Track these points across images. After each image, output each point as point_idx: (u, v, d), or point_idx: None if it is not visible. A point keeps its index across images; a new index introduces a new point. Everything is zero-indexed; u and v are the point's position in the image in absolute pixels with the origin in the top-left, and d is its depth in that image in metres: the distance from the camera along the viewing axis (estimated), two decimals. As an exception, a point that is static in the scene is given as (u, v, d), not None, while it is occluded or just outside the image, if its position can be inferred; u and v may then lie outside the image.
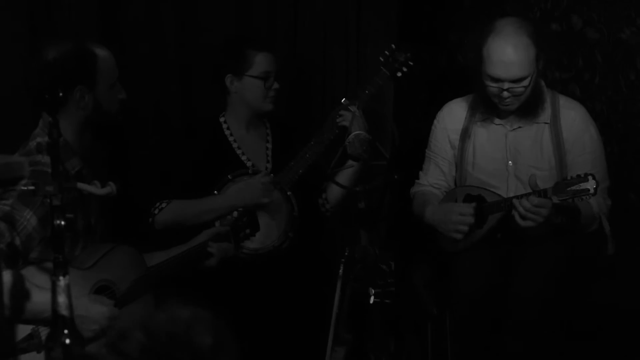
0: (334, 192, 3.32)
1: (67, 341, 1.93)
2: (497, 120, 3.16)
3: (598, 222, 3.09)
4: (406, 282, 3.25)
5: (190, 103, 3.67)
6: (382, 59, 3.27)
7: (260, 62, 3.21)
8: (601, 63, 3.47)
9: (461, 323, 3.09)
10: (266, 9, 3.77)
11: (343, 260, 2.57)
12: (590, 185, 2.79)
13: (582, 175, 2.82)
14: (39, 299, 2.27)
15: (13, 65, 3.13)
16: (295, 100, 3.81)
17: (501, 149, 3.16)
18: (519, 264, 3.05)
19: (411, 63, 3.27)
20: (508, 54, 2.95)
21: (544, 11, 3.60)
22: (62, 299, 1.94)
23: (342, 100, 3.22)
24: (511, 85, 2.98)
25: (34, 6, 3.28)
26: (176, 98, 3.66)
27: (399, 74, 3.28)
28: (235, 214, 2.93)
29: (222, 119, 3.31)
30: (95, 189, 2.20)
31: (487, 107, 3.13)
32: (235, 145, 3.29)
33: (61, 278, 1.95)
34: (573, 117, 3.11)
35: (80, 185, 2.18)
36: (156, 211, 3.15)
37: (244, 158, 3.28)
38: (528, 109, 3.08)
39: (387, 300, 2.52)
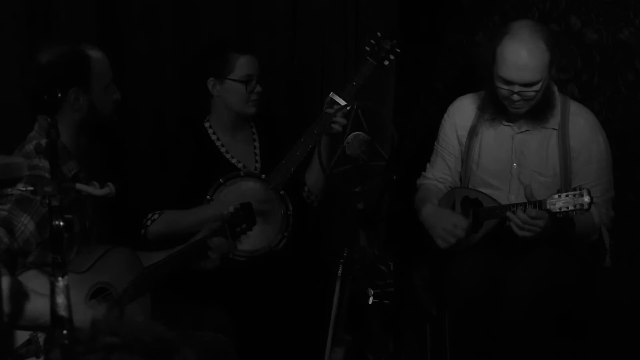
0: (313, 179, 3.31)
1: (66, 342, 1.93)
2: (505, 122, 3.15)
3: (598, 233, 3.07)
4: (405, 282, 3.25)
5: (189, 104, 3.67)
6: (368, 49, 3.24)
7: (242, 65, 3.20)
8: (600, 63, 3.46)
9: (459, 323, 3.08)
10: (266, 8, 3.77)
11: (342, 260, 2.56)
12: (585, 200, 2.77)
13: (578, 189, 2.80)
14: (37, 304, 2.26)
15: (10, 67, 3.13)
16: (294, 101, 3.82)
17: (507, 150, 3.15)
18: (513, 265, 3.04)
19: (398, 50, 3.24)
20: (523, 57, 2.93)
21: (542, 12, 3.60)
22: (60, 299, 1.94)
23: (330, 94, 3.21)
24: (522, 89, 2.97)
25: (32, 7, 3.27)
26: (175, 99, 3.66)
27: (386, 63, 3.24)
28: (231, 208, 2.92)
29: (207, 124, 3.30)
30: (94, 189, 2.19)
31: (496, 108, 3.12)
32: (223, 149, 3.28)
33: (60, 279, 1.95)
34: (582, 125, 3.09)
35: (79, 186, 2.17)
36: (148, 222, 3.13)
37: (233, 161, 3.28)
38: (538, 113, 3.07)
39: (386, 301, 2.52)
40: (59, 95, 2.45)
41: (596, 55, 3.48)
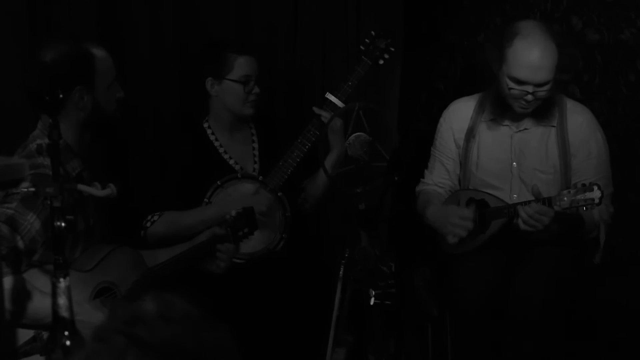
0: (314, 187, 3.31)
1: (68, 343, 1.93)
2: (505, 121, 3.16)
3: (597, 229, 3.08)
4: (407, 283, 3.25)
5: (189, 104, 3.66)
6: (362, 48, 3.24)
7: (241, 65, 3.19)
8: (601, 64, 3.46)
9: (462, 324, 3.09)
10: (266, 9, 3.77)
11: (343, 261, 2.56)
12: (596, 195, 2.77)
13: (588, 185, 2.80)
14: (42, 304, 2.27)
15: (12, 66, 3.13)
16: (294, 101, 3.81)
17: (506, 150, 3.16)
18: (521, 265, 3.04)
19: (392, 49, 3.23)
20: (537, 57, 2.94)
21: (543, 12, 3.60)
22: (62, 300, 1.94)
23: (326, 94, 3.21)
24: (536, 89, 2.97)
25: (33, 7, 3.27)
26: (175, 99, 3.66)
27: (381, 62, 3.25)
28: (233, 213, 2.92)
29: (205, 125, 3.29)
30: (95, 190, 2.19)
31: (497, 108, 3.12)
32: (221, 150, 3.27)
33: (61, 280, 1.95)
34: (580, 122, 3.10)
35: (80, 187, 2.18)
36: (148, 224, 3.12)
37: (231, 162, 3.27)
38: (539, 111, 3.08)
39: (387, 302, 2.52)
40: (61, 95, 2.44)
41: (597, 55, 3.47)
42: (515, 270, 3.04)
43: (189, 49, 3.61)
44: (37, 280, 2.35)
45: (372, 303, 2.51)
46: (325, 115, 3.17)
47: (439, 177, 3.29)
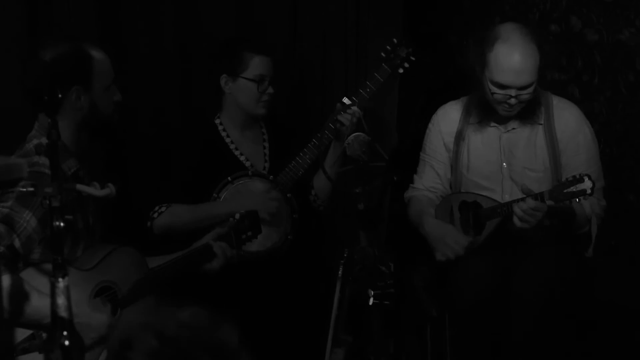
0: (320, 185, 3.31)
1: (66, 343, 1.92)
2: (492, 123, 3.16)
3: (589, 224, 3.08)
4: (406, 283, 3.24)
5: (190, 104, 3.67)
6: (383, 55, 3.23)
7: (256, 64, 3.20)
8: (600, 64, 3.47)
9: (462, 325, 3.08)
10: (266, 9, 3.77)
11: (342, 261, 2.56)
12: (587, 185, 2.78)
13: (578, 177, 2.81)
14: (40, 303, 2.26)
15: (11, 67, 3.13)
16: (294, 101, 3.81)
17: (495, 150, 3.16)
18: (519, 264, 3.05)
19: (413, 58, 3.24)
20: (518, 61, 2.94)
21: (543, 12, 3.60)
22: (61, 300, 1.93)
23: (343, 99, 3.19)
24: (519, 92, 2.98)
25: (33, 7, 3.27)
26: (175, 99, 3.66)
27: (401, 70, 3.24)
28: (237, 216, 2.92)
29: (217, 121, 3.30)
30: (94, 190, 2.19)
31: (483, 110, 3.13)
32: (232, 146, 3.29)
33: (60, 280, 1.95)
34: (567, 118, 3.11)
35: (79, 186, 2.17)
36: (155, 215, 3.14)
37: (242, 159, 3.28)
38: (527, 112, 3.08)
39: (386, 302, 2.51)
40: (60, 95, 2.44)
41: (596, 55, 3.48)
42: (514, 270, 3.04)
43: (189, 49, 3.62)
44: (36, 279, 2.35)
45: (371, 303, 2.51)
46: (345, 120, 3.14)
47: (430, 181, 3.29)
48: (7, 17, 3.20)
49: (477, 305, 3.02)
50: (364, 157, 2.55)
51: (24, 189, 2.04)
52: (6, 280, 2.25)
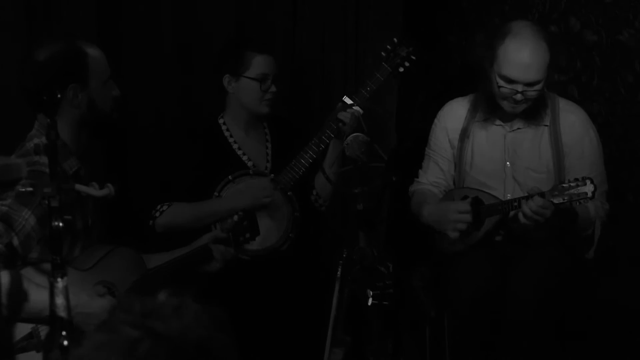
0: (321, 185, 3.32)
1: (65, 343, 1.93)
2: (497, 121, 3.16)
3: (593, 227, 3.08)
4: (404, 284, 3.25)
5: (190, 103, 3.67)
6: (383, 54, 3.23)
7: (259, 64, 3.21)
8: (599, 65, 3.47)
9: (459, 324, 3.09)
10: (265, 9, 3.77)
11: (341, 261, 2.56)
12: (588, 189, 2.79)
13: (580, 179, 2.81)
14: (39, 297, 2.26)
15: (11, 67, 3.13)
16: (294, 100, 3.82)
17: (499, 149, 3.16)
18: (517, 265, 3.05)
19: (413, 57, 3.23)
20: (527, 56, 2.95)
21: (542, 13, 3.60)
22: (60, 300, 1.94)
23: (343, 98, 3.20)
24: (526, 88, 2.98)
25: (33, 7, 3.27)
26: (176, 98, 3.66)
27: (401, 69, 3.24)
28: (235, 217, 2.92)
29: (220, 120, 3.31)
30: (93, 190, 2.20)
31: (490, 107, 3.13)
32: (235, 146, 3.29)
33: (59, 280, 1.95)
34: (573, 121, 3.11)
35: (78, 187, 2.18)
36: (157, 214, 3.15)
37: (244, 158, 3.29)
38: (531, 111, 3.08)
39: (385, 302, 2.52)
40: (59, 95, 2.44)
41: (595, 56, 3.48)
42: (511, 270, 3.05)
43: (188, 49, 3.62)
44: (34, 279, 2.35)
45: (370, 303, 2.51)
46: (345, 119, 3.14)
47: (433, 176, 3.29)
48: (7, 17, 3.20)
49: (475, 305, 3.02)
50: (363, 157, 2.56)
51: (23, 189, 2.05)
52: (5, 276, 2.25)
